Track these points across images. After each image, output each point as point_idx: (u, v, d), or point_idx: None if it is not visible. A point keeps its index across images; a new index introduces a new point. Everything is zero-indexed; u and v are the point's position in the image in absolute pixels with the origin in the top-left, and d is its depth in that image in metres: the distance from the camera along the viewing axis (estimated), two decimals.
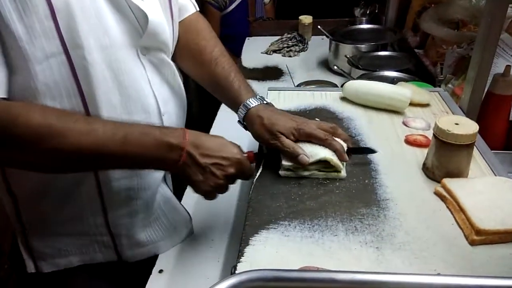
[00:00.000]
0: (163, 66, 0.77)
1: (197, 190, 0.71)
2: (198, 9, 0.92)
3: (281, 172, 0.77)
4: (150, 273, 0.80)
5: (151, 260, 0.83)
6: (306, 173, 0.76)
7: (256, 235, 0.66)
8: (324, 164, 0.75)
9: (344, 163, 0.77)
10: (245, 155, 0.73)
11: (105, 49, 0.66)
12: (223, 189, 0.72)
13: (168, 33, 0.76)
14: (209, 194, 0.72)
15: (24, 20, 0.58)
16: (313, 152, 0.75)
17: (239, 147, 0.73)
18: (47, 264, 0.80)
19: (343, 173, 0.76)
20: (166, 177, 0.86)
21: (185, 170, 0.68)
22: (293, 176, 0.77)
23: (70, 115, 0.63)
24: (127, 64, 0.69)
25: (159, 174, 0.81)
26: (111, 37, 0.66)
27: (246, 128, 0.83)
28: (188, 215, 0.88)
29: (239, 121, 0.84)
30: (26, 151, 0.60)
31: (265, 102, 0.82)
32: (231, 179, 0.72)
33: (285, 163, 0.76)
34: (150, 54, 0.74)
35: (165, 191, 0.84)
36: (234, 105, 0.83)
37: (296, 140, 0.77)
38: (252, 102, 0.80)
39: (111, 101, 0.68)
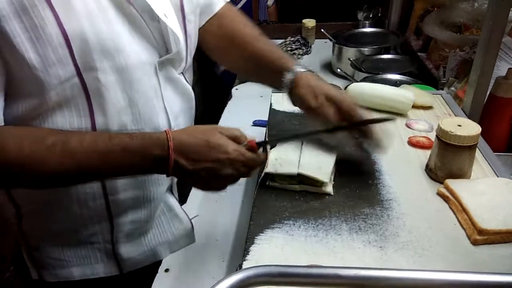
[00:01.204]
0: (177, 80, 0.76)
1: (201, 190, 0.69)
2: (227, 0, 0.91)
3: (268, 182, 0.77)
4: (156, 272, 0.81)
5: (150, 273, 0.83)
6: (290, 187, 0.75)
7: (261, 234, 0.67)
8: (308, 178, 0.74)
9: (331, 179, 0.75)
10: (245, 145, 0.66)
11: (120, 70, 0.66)
12: (225, 187, 0.68)
13: (183, 46, 0.74)
14: (215, 192, 0.71)
15: (38, 50, 0.59)
16: (291, 163, 0.75)
17: (236, 138, 0.66)
18: (49, 274, 0.79)
19: (329, 189, 0.74)
20: (173, 186, 0.85)
21: (179, 177, 0.66)
22: (278, 187, 0.76)
23: (46, 138, 0.61)
24: (142, 83, 0.69)
25: (165, 186, 0.81)
26: (127, 58, 0.66)
27: (289, 92, 0.80)
28: (191, 224, 0.87)
29: (282, 87, 0.80)
30: (8, 183, 0.62)
31: (313, 72, 0.81)
32: (231, 179, 0.67)
33: (267, 170, 0.75)
34: (167, 69, 0.73)
35: (170, 200, 0.84)
36: (280, 73, 0.79)
37: (302, 143, 0.79)
38: (301, 69, 0.79)
39: (121, 119, 0.68)
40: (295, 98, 0.79)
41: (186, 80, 0.80)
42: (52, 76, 0.61)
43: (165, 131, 0.63)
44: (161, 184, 0.78)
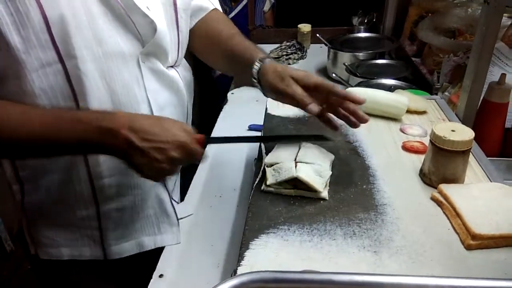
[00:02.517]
0: (163, 73, 0.79)
1: (141, 174, 0.68)
2: (216, 6, 0.94)
3: (263, 187, 0.77)
4: (150, 278, 0.80)
5: (144, 278, 0.83)
6: (285, 192, 0.75)
7: (256, 239, 0.67)
8: (303, 183, 0.74)
9: (327, 184, 0.76)
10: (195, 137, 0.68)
11: (98, 59, 0.69)
12: (169, 173, 0.68)
13: (168, 40, 0.78)
14: (154, 178, 0.70)
15: (21, 33, 0.62)
16: (288, 169, 0.74)
17: (187, 129, 0.68)
18: (42, 251, 0.85)
19: (324, 194, 0.74)
20: (167, 180, 0.87)
21: (126, 154, 0.65)
22: (273, 192, 0.76)
23: (7, 107, 0.64)
24: (121, 73, 0.72)
25: None
26: (106, 47, 0.69)
27: (259, 83, 0.81)
28: (177, 222, 0.90)
29: (252, 78, 0.81)
30: None
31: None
32: (175, 163, 0.67)
33: (269, 182, 0.75)
34: (150, 61, 0.76)
35: (160, 192, 0.86)
36: (250, 65, 0.80)
37: (299, 148, 0.80)
38: (268, 60, 0.80)
39: (103, 107, 0.71)
40: (264, 87, 0.80)
41: (180, 76, 0.83)
42: (33, 58, 0.64)
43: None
44: None
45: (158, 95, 0.78)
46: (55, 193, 0.78)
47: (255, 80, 0.81)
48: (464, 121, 1.00)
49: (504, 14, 1.21)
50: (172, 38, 0.80)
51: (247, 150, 1.17)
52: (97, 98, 0.70)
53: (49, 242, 0.84)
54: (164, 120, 0.68)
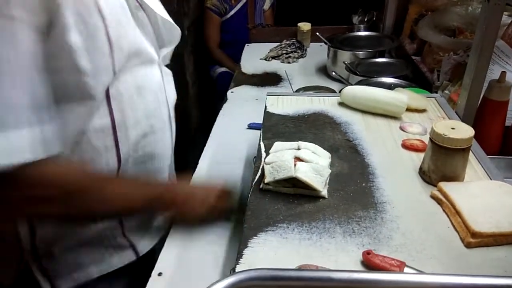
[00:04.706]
0: (169, 73, 0.82)
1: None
2: None
3: (262, 185, 0.76)
4: (149, 276, 0.80)
5: (142, 276, 0.83)
6: (284, 190, 0.75)
7: (255, 237, 0.67)
8: (302, 182, 0.73)
9: (326, 183, 0.76)
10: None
11: (136, 69, 0.69)
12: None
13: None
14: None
15: (91, 57, 0.61)
16: (286, 168, 0.74)
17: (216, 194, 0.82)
18: (65, 281, 0.79)
19: (324, 192, 0.74)
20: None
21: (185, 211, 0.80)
22: (272, 190, 0.76)
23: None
24: (152, 79, 0.74)
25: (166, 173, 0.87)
26: (141, 58, 0.70)
27: None
28: None
29: None
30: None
31: None
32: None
33: (267, 180, 0.75)
34: (165, 62, 0.80)
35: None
36: None
37: (299, 148, 0.80)
38: None
39: (136, 115, 0.72)
40: None
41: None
42: (99, 82, 0.63)
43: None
44: (163, 172, 0.85)
45: (170, 93, 0.81)
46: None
47: None
48: (464, 119, 1.00)
49: (504, 13, 1.21)
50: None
51: (246, 148, 1.16)
52: (133, 108, 0.71)
53: (74, 268, 0.79)
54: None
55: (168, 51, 0.80)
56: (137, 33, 0.68)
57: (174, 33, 0.79)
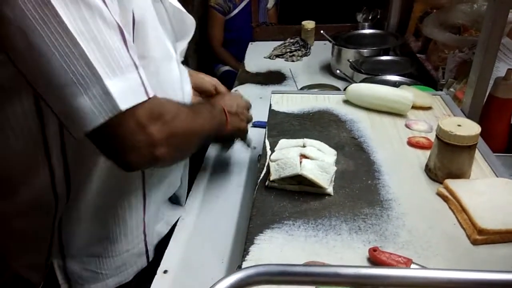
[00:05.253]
0: (185, 69, 0.82)
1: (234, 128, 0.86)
2: None
3: (267, 183, 0.77)
4: (155, 274, 0.81)
5: (148, 274, 0.83)
6: (290, 187, 0.75)
7: (260, 234, 0.67)
8: (308, 179, 0.73)
9: (332, 180, 0.75)
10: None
11: (158, 61, 0.69)
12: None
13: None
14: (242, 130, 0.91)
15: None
16: (292, 165, 0.74)
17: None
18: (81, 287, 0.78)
19: (330, 190, 0.74)
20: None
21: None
22: (278, 188, 0.76)
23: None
24: (171, 74, 0.74)
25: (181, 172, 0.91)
26: (163, 50, 0.70)
27: None
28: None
29: None
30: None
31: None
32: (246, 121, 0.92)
33: (272, 177, 0.75)
34: (181, 57, 0.79)
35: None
36: None
37: (303, 144, 0.80)
38: None
39: None
40: None
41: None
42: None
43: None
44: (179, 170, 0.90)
45: (186, 91, 0.81)
46: (108, 223, 0.76)
47: None
48: (469, 117, 0.99)
49: (511, 10, 1.20)
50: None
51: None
52: None
53: (92, 276, 0.77)
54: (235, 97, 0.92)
55: (184, 45, 0.80)
56: (156, 25, 0.69)
57: (189, 25, 0.80)
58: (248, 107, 0.93)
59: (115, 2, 0.58)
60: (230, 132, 0.84)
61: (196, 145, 0.71)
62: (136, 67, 0.58)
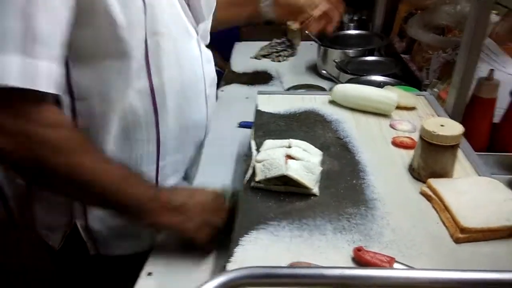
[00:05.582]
0: (207, 51, 0.85)
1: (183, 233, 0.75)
2: None
3: (253, 184, 0.76)
4: (138, 276, 0.79)
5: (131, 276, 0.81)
6: (275, 188, 0.75)
7: (246, 235, 0.66)
8: (293, 180, 0.73)
9: (317, 180, 0.75)
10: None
11: (175, 37, 0.72)
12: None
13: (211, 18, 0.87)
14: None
15: (125, 11, 0.63)
16: (278, 166, 0.74)
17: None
18: (110, 248, 0.82)
19: (315, 190, 0.74)
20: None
21: (164, 219, 0.71)
22: (263, 188, 0.75)
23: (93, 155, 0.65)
24: (188, 50, 0.77)
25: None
26: (179, 27, 0.74)
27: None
28: None
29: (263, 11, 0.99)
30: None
31: None
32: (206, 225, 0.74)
33: (258, 178, 0.75)
34: (203, 40, 0.82)
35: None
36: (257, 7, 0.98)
37: (290, 146, 0.80)
38: None
39: (173, 84, 0.74)
40: (278, 12, 0.97)
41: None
42: (133, 37, 0.66)
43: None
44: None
45: (208, 73, 0.84)
46: None
47: (268, 11, 0.96)
48: (453, 117, 1.00)
49: (493, 11, 1.22)
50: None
51: (237, 146, 1.16)
52: (170, 74, 0.73)
53: (117, 235, 0.81)
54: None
55: (206, 26, 0.82)
56: (176, 5, 0.72)
57: (210, 4, 0.82)
58: (220, 212, 0.76)
59: None
60: (162, 226, 0.74)
61: (68, 181, 0.63)
62: (57, 60, 0.58)
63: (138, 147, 0.76)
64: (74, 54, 0.65)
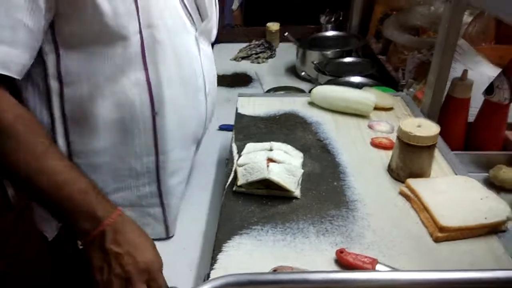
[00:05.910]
0: (208, 49, 0.85)
1: (93, 276, 0.62)
2: None
3: (235, 188, 0.77)
4: None
5: None
6: (257, 192, 0.75)
7: (229, 241, 0.66)
8: (275, 183, 0.73)
9: (299, 183, 0.77)
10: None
11: (170, 29, 0.72)
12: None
13: (215, 19, 0.86)
14: (102, 285, 0.62)
15: (111, 2, 0.63)
16: (259, 169, 0.74)
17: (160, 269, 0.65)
18: None
19: (297, 193, 0.75)
20: None
21: (90, 249, 0.62)
22: (246, 193, 0.76)
23: (38, 135, 0.63)
24: (186, 45, 0.76)
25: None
26: (174, 20, 0.73)
27: None
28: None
29: None
30: None
31: None
32: (126, 283, 0.60)
33: (240, 182, 0.76)
34: (204, 38, 0.82)
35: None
36: None
37: (271, 149, 0.80)
38: None
39: (171, 78, 0.74)
40: None
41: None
42: (120, 26, 0.65)
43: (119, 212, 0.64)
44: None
45: (209, 70, 0.84)
46: (111, 171, 0.77)
47: None
48: (429, 117, 1.03)
49: (466, 12, 1.25)
50: (216, 15, 0.87)
51: (219, 150, 1.16)
52: (167, 68, 0.73)
53: None
54: (149, 239, 0.66)
55: (208, 24, 0.81)
56: None
57: (214, 2, 0.82)
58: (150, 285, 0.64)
59: None
60: (83, 253, 0.64)
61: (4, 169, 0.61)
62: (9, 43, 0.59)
63: (134, 138, 0.76)
64: (63, 41, 0.66)
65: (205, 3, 0.80)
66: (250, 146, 0.85)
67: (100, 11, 0.63)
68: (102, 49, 0.67)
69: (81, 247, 0.64)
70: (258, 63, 1.82)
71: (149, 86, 0.72)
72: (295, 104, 1.07)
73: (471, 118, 1.06)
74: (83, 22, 0.64)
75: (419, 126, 0.76)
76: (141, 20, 0.68)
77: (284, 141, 0.85)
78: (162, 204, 0.83)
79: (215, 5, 0.87)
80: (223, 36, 2.09)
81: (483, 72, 1.15)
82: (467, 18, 1.40)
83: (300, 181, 0.77)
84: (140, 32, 0.68)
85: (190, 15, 0.77)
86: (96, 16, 0.64)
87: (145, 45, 0.70)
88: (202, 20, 0.80)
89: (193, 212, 0.95)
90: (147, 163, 0.78)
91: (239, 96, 1.12)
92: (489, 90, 1.00)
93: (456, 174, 0.81)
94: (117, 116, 0.73)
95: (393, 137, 0.87)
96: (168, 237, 0.86)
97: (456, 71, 1.11)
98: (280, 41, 1.96)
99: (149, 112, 0.74)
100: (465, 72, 1.03)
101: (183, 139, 0.81)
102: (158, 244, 0.86)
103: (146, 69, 0.71)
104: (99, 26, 0.65)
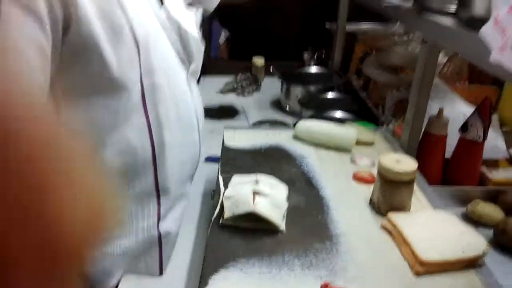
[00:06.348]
0: (197, 88, 0.87)
1: None
2: None
3: (221, 221, 0.78)
4: None
5: None
6: (243, 225, 0.76)
7: (215, 274, 0.67)
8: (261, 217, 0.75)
9: (284, 216, 0.78)
10: None
11: (168, 73, 0.74)
12: None
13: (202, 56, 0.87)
14: None
15: (115, 49, 0.64)
16: (246, 202, 0.76)
17: None
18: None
19: (282, 226, 0.76)
20: None
21: None
22: (232, 226, 0.77)
23: None
24: (180, 86, 0.79)
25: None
26: (171, 62, 0.76)
27: None
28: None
29: None
30: None
31: None
32: None
33: (226, 215, 0.77)
34: (193, 76, 0.84)
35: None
36: None
37: (257, 181, 0.81)
38: None
39: (169, 119, 0.75)
40: None
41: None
42: (124, 76, 0.66)
43: None
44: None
45: (199, 109, 0.86)
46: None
47: None
48: (407, 152, 1.07)
49: (441, 53, 1.33)
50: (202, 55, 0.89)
51: (205, 182, 1.17)
52: (166, 110, 0.74)
53: (101, 273, 0.77)
54: None
55: (196, 66, 0.83)
56: (165, 43, 0.74)
57: (198, 47, 0.83)
58: None
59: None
60: None
61: None
62: None
63: (135, 184, 0.75)
64: (64, 92, 0.65)
65: (191, 46, 0.81)
66: (236, 179, 0.86)
67: (104, 63, 0.63)
68: (103, 100, 0.67)
69: None
70: (244, 96, 1.86)
71: (149, 130, 0.73)
72: (280, 137, 1.10)
73: (448, 154, 1.11)
74: (85, 75, 0.64)
75: (398, 161, 0.80)
76: (142, 68, 0.69)
77: (270, 174, 0.87)
78: (160, 244, 0.82)
79: (201, 45, 0.89)
80: (209, 69, 2.14)
81: (459, 109, 1.21)
82: (442, 58, 1.48)
83: (285, 214, 0.79)
84: (141, 79, 0.69)
85: (179, 56, 0.80)
86: (100, 68, 0.63)
87: (145, 91, 0.71)
88: (189, 60, 0.82)
89: (178, 245, 0.95)
90: (148, 206, 0.78)
91: (225, 128, 1.14)
92: (464, 127, 1.05)
93: (434, 209, 0.84)
94: (119, 164, 0.72)
95: (375, 171, 0.90)
96: (161, 274, 0.84)
97: (432, 108, 1.16)
98: (265, 75, 2.02)
99: (150, 155, 0.74)
100: (441, 110, 1.08)
101: (181, 178, 0.82)
102: (143, 279, 0.86)
103: (146, 113, 0.72)
104: (101, 78, 0.65)
